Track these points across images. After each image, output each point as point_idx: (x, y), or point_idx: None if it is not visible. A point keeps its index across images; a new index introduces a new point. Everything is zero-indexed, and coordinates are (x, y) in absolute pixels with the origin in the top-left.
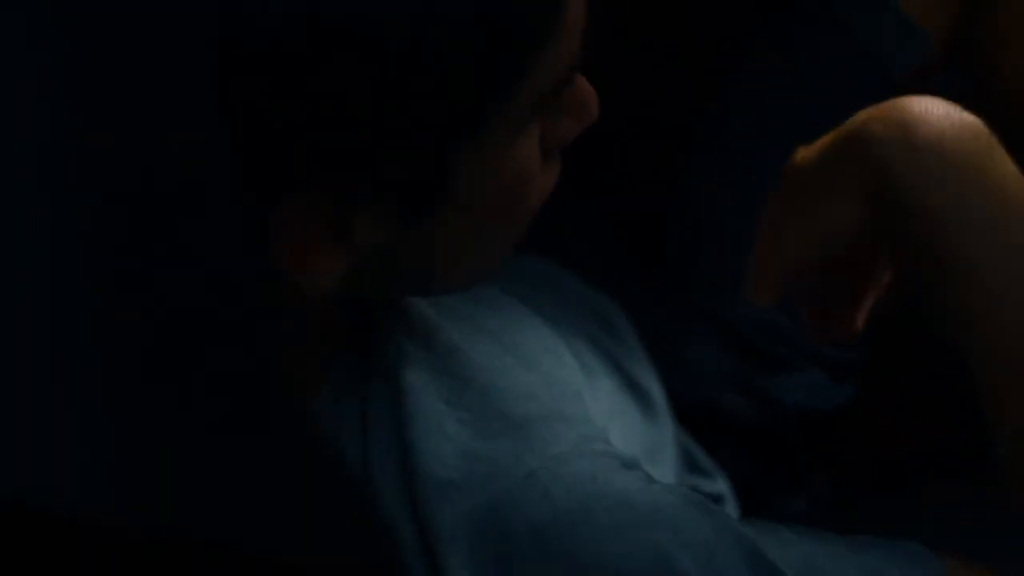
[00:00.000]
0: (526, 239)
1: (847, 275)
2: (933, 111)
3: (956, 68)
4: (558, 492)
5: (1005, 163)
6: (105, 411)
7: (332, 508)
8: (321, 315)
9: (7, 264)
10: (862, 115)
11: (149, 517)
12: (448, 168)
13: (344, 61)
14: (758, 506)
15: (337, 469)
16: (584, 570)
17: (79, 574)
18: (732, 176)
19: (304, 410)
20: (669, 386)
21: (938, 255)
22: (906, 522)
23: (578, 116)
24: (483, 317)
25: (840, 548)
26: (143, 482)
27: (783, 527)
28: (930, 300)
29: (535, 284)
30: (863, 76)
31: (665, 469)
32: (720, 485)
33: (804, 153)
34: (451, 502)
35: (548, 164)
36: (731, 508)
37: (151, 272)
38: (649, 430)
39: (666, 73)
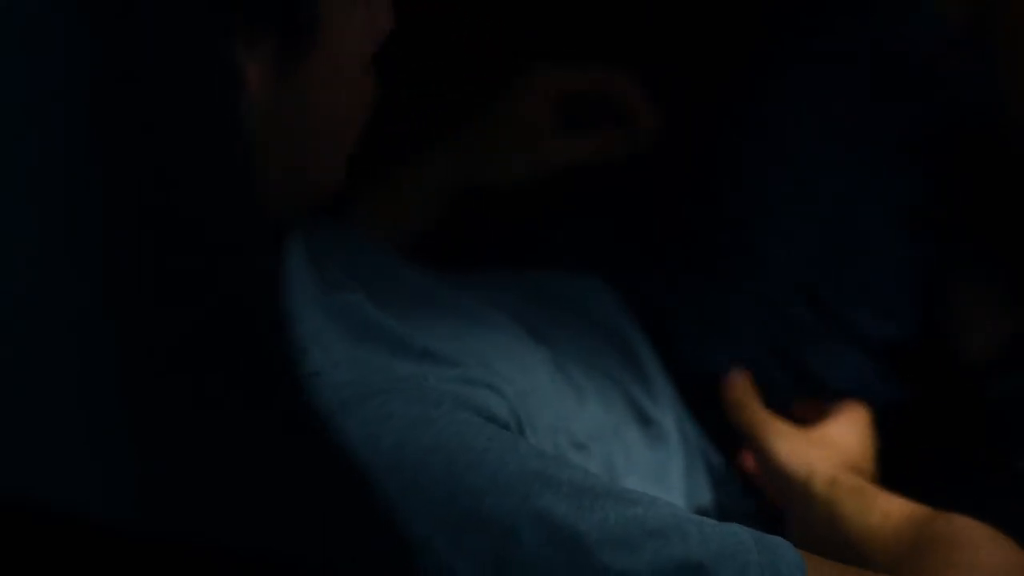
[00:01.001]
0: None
1: None
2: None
3: (978, 56)
4: (396, 406)
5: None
6: (122, 407)
7: (344, 508)
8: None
9: (12, 245)
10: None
11: (167, 520)
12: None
13: None
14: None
15: (354, 471)
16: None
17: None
18: (778, 165)
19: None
20: (703, 363)
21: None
22: None
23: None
24: (441, 320)
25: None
26: (162, 483)
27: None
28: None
29: (548, 304)
30: (892, 63)
31: (673, 494)
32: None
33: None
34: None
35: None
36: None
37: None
38: (653, 458)
39: (720, 72)
